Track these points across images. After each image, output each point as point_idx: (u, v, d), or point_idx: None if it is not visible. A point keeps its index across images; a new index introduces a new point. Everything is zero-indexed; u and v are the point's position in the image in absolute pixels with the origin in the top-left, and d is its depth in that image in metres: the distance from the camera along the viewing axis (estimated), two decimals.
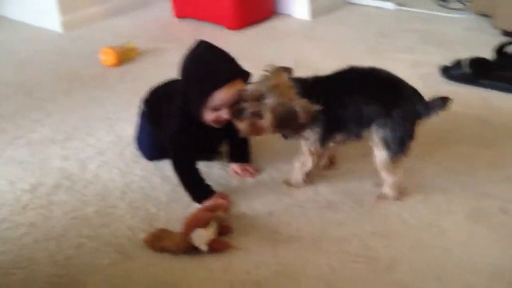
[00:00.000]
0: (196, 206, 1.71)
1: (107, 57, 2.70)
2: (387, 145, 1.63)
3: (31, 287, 1.50)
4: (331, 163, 1.88)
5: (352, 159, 1.90)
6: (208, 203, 1.69)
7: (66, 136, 2.16)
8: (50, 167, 1.98)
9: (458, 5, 3.16)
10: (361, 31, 2.97)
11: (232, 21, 3.05)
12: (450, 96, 1.65)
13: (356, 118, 1.65)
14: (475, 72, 2.32)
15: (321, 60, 2.61)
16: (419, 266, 1.48)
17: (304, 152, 1.74)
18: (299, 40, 2.93)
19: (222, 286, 1.46)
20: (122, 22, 3.27)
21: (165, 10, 3.32)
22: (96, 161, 1.99)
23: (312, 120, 1.61)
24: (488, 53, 2.48)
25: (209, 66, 1.64)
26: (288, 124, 1.62)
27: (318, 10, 3.17)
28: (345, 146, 1.81)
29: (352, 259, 1.51)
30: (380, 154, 1.66)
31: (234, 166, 1.90)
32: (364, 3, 3.29)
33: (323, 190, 1.79)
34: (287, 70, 1.68)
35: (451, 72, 2.38)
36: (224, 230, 1.61)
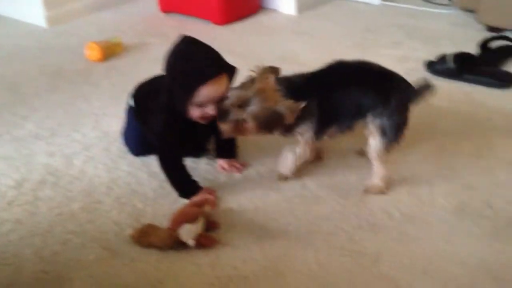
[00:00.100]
0: (184, 201, 1.71)
1: (92, 52, 2.68)
2: (384, 133, 1.66)
3: (18, 283, 1.49)
4: (319, 157, 1.88)
5: (339, 153, 1.92)
6: (195, 198, 1.69)
7: (51, 131, 2.14)
8: (35, 163, 1.96)
9: (444, 1, 3.18)
10: (347, 26, 2.97)
11: (218, 16, 3.05)
12: (435, 91, 1.69)
13: (350, 110, 1.67)
14: (460, 67, 2.34)
15: (307, 55, 2.61)
16: (405, 259, 1.50)
17: (301, 144, 1.74)
18: (285, 35, 2.92)
19: (210, 281, 1.46)
20: (107, 16, 3.25)
21: (151, 4, 3.31)
22: (81, 157, 1.98)
23: (306, 115, 1.63)
24: (473, 48, 2.50)
25: (193, 62, 1.61)
26: (273, 126, 1.63)
27: (304, 5, 3.17)
28: (332, 141, 1.82)
29: (339, 253, 1.52)
30: (375, 143, 1.68)
31: (221, 162, 1.89)
32: None
33: (310, 184, 1.79)
34: (275, 70, 1.67)
35: (436, 67, 2.40)
36: (211, 225, 1.62)
